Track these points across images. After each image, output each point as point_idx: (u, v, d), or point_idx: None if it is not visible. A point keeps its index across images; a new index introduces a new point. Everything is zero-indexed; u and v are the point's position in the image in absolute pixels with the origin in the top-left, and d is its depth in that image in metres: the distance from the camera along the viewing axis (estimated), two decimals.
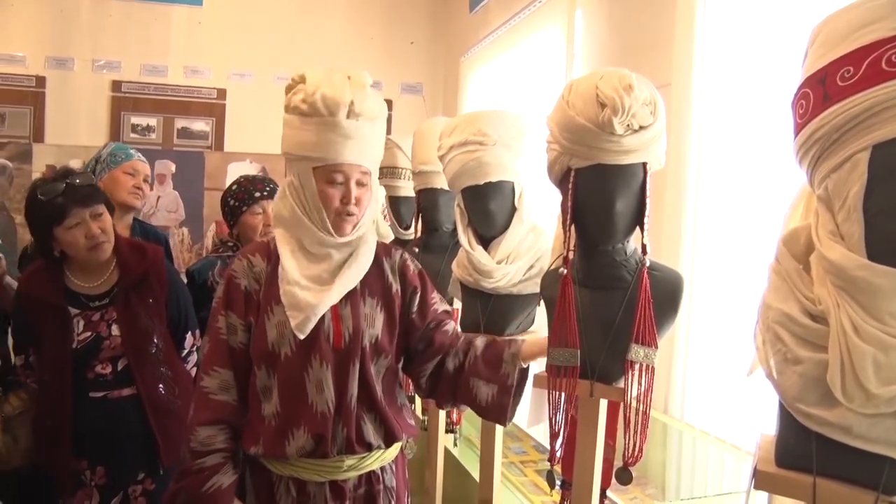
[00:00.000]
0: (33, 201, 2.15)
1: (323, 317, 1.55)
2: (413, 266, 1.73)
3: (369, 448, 1.59)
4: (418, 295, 1.70)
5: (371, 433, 1.58)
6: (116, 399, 2.19)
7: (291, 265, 1.58)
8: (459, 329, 1.85)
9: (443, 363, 1.69)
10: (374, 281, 1.64)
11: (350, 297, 1.59)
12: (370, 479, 1.62)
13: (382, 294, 1.65)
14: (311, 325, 1.53)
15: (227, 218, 2.88)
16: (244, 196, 2.81)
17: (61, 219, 2.10)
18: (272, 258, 1.62)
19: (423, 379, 1.71)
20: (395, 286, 1.67)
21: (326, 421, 1.53)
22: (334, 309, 1.57)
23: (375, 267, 1.65)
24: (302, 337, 1.53)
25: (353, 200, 1.54)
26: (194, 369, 2.47)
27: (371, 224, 1.65)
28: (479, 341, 1.69)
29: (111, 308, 2.21)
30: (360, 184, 1.56)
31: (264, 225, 2.78)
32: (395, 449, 1.69)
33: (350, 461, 1.58)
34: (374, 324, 1.61)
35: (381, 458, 1.64)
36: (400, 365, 1.73)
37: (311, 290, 1.55)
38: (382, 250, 1.70)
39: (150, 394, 2.22)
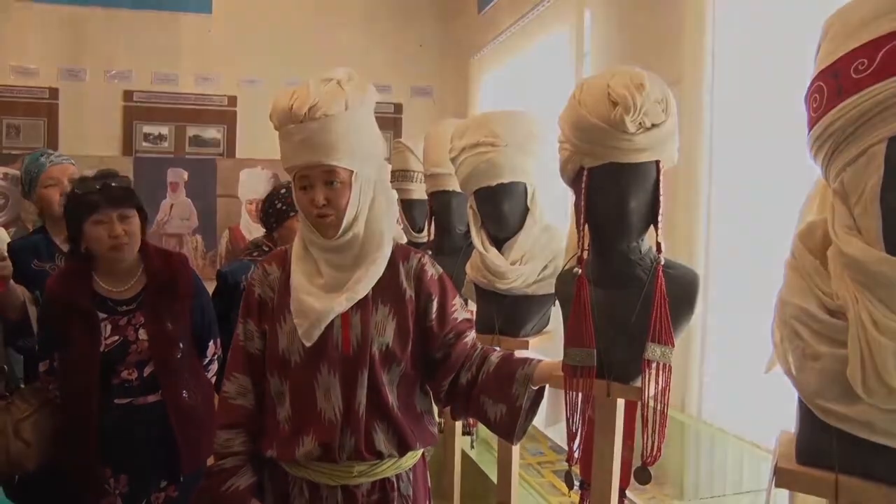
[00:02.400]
0: (70, 195, 2.24)
1: (332, 323, 1.54)
2: (432, 271, 1.67)
3: (380, 456, 1.57)
4: (435, 302, 1.64)
5: (382, 442, 1.56)
6: (141, 406, 2.20)
7: (301, 273, 1.59)
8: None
9: (457, 377, 1.66)
10: (388, 287, 1.61)
11: (361, 303, 1.57)
12: (384, 485, 1.60)
13: (395, 300, 1.61)
14: (317, 333, 1.53)
15: (268, 221, 2.86)
16: (293, 201, 2.80)
17: (90, 213, 2.16)
18: (287, 266, 1.63)
19: (442, 394, 1.69)
20: (410, 292, 1.63)
21: (334, 428, 1.53)
22: (345, 316, 1.55)
23: (390, 272, 1.61)
24: (308, 344, 1.53)
25: (320, 202, 1.52)
26: (214, 378, 2.49)
27: (384, 230, 1.60)
28: (494, 356, 1.65)
29: (138, 313, 2.23)
30: (327, 183, 1.53)
31: None
32: (413, 457, 1.66)
33: (361, 467, 1.57)
34: (385, 331, 1.58)
35: (396, 467, 1.61)
36: (419, 373, 1.69)
37: (318, 297, 1.55)
38: (400, 254, 1.65)
39: (174, 400, 2.23)
